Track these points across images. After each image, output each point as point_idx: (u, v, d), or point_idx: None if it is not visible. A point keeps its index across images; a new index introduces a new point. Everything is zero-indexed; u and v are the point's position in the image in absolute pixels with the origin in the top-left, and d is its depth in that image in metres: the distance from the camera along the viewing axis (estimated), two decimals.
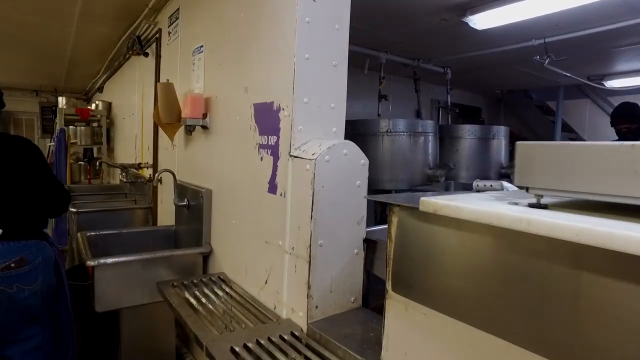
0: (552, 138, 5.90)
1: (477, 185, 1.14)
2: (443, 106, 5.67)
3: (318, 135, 1.42)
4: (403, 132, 3.63)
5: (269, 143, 1.51)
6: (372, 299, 1.53)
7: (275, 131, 1.47)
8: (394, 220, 0.96)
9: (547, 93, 6.17)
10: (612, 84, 4.77)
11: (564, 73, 3.13)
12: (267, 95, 1.54)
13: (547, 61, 3.10)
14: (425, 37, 3.39)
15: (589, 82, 3.44)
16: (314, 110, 1.41)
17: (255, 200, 1.60)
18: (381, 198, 1.03)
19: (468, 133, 4.29)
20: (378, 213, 3.57)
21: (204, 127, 2.09)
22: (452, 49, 3.74)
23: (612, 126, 3.33)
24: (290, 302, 1.39)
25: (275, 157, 1.47)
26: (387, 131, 3.58)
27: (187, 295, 1.60)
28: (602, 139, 5.93)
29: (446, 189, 4.12)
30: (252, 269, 1.64)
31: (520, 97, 6.41)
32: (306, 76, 1.38)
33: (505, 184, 1.06)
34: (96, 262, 1.66)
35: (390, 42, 3.61)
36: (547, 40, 3.11)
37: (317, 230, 1.28)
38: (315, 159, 1.25)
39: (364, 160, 1.37)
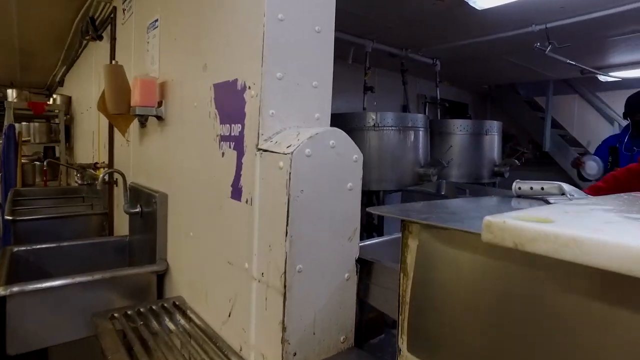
0: (542, 134, 5.70)
1: (520, 189, 0.81)
2: (430, 101, 5.40)
3: (296, 122, 1.07)
4: (392, 126, 3.31)
5: (232, 133, 1.16)
6: (367, 333, 1.20)
7: (240, 117, 1.11)
8: (412, 245, 0.63)
9: (535, 88, 5.96)
10: (608, 77, 4.56)
11: (567, 61, 2.87)
12: (229, 71, 1.18)
13: (549, 48, 2.83)
14: (417, 21, 3.08)
15: (595, 71, 3.19)
16: (291, 89, 1.06)
17: (216, 208, 1.25)
18: (390, 212, 0.70)
19: (459, 128, 4.01)
20: (363, 219, 3.25)
21: (159, 118, 1.72)
22: (444, 36, 3.44)
23: (625, 117, 3.11)
24: (259, 345, 1.04)
25: (240, 151, 1.12)
26: (374, 125, 3.25)
27: (128, 331, 1.23)
28: (591, 135, 5.76)
29: (437, 190, 3.83)
30: (213, 295, 1.28)
31: (508, 93, 6.19)
32: (280, 43, 1.03)
33: (566, 186, 0.74)
34: (8, 290, 1.27)
35: (378, 28, 3.29)
36: (548, 26, 2.84)
37: (295, 250, 0.93)
38: (292, 152, 0.90)
39: (357, 155, 1.03)
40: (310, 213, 0.94)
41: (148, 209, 1.71)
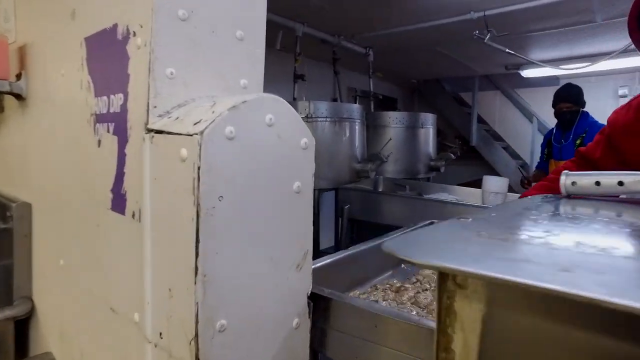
0: (468, 129, 5.79)
1: (574, 184, 0.51)
2: (361, 95, 5.23)
3: (210, 90, 0.69)
4: (326, 117, 3.00)
5: (111, 109, 0.75)
6: None
7: (121, 84, 0.71)
8: (465, 311, 0.29)
9: (461, 84, 6.05)
10: (528, 73, 4.68)
11: (506, 50, 2.77)
12: (106, 15, 0.77)
13: (487, 36, 2.71)
14: (352, 4, 2.80)
15: (537, 62, 3.15)
16: (201, 38, 0.68)
17: (93, 225, 0.82)
18: (424, 258, 0.35)
19: (395, 121, 3.82)
20: (344, 227, 2.90)
21: (18, 97, 1.22)
22: (380, 22, 3.21)
23: (553, 107, 3.11)
24: None
25: (122, 136, 0.71)
26: (307, 116, 2.92)
27: None
28: (511, 131, 5.96)
29: (374, 187, 3.61)
30: (90, 358, 0.86)
31: (435, 88, 6.23)
32: None
33: None
34: None
35: (309, 10, 2.96)
36: (487, 13, 2.72)
37: (212, 297, 0.55)
38: (202, 132, 0.53)
39: (306, 139, 0.68)
40: (236, 233, 0.58)
41: (3, 225, 1.21)
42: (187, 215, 0.53)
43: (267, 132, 0.60)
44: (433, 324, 0.61)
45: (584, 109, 3.12)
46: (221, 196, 0.55)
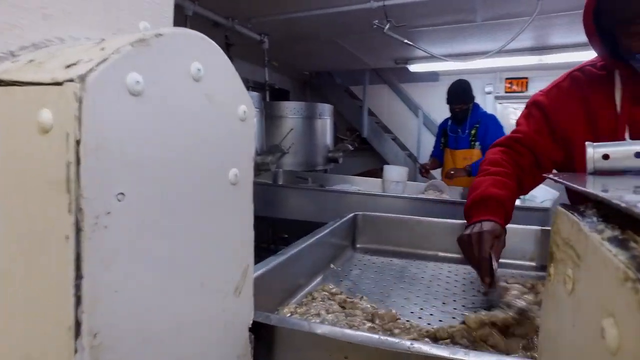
0: (360, 121, 5.95)
1: (607, 157, 0.41)
2: (254, 86, 4.99)
3: (89, 29, 0.44)
4: None
5: None
6: None
7: None
8: None
9: (351, 77, 6.19)
10: (415, 68, 4.95)
11: (404, 40, 2.81)
12: None
13: (387, 27, 2.71)
14: None
15: (443, 58, 3.25)
16: None
17: None
18: None
19: (292, 112, 3.69)
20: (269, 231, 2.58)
21: None
22: (276, 5, 3.02)
23: (447, 104, 3.26)
24: None
25: None
26: None
27: None
28: (399, 124, 6.28)
29: (274, 180, 3.43)
30: None
31: (327, 81, 6.27)
32: None
33: None
34: None
35: None
36: (386, 3, 2.71)
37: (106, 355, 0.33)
38: (83, 78, 0.29)
39: (245, 107, 0.48)
40: (148, 253, 0.35)
41: None
42: (57, 232, 0.30)
43: (193, 90, 0.39)
44: (429, 349, 0.47)
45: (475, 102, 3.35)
46: (121, 193, 0.32)
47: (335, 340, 0.49)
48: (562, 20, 3.29)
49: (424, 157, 5.06)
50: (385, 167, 3.05)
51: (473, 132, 3.19)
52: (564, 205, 0.35)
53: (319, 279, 1.04)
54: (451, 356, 0.44)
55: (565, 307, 0.30)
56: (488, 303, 0.91)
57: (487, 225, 0.98)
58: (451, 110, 3.21)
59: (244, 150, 0.48)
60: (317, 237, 1.06)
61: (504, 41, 2.89)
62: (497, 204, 1.04)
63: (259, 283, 0.74)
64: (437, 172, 3.70)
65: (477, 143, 3.18)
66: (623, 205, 0.20)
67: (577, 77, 1.14)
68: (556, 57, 4.08)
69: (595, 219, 0.27)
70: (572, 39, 3.70)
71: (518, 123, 1.26)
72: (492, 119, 3.19)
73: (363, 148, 6.00)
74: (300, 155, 3.69)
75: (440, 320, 0.85)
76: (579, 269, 0.27)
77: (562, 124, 1.14)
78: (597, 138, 1.06)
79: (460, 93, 3.14)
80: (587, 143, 0.43)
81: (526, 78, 5.36)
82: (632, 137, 1.00)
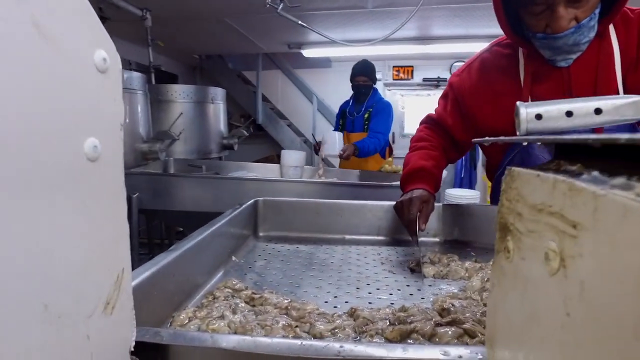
0: (254, 107, 5.78)
1: (540, 117, 0.36)
2: (136, 69, 4.51)
3: None
4: None
5: None
6: None
7: None
8: None
9: (244, 62, 5.97)
10: (309, 53, 4.92)
11: (299, 22, 2.72)
12: None
13: (280, 6, 2.60)
14: None
15: (343, 43, 3.20)
16: None
17: None
18: None
19: (182, 95, 3.41)
20: (135, 222, 2.20)
21: None
22: None
23: (350, 80, 3.31)
24: None
25: None
26: None
27: None
28: (293, 109, 6.25)
29: (164, 170, 3.13)
30: None
31: (218, 65, 5.97)
32: None
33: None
34: None
35: None
36: None
37: None
38: None
39: (105, 53, 0.34)
40: None
41: None
42: None
43: (12, 11, 0.25)
44: (363, 349, 0.39)
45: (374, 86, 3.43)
46: None
47: (248, 355, 0.39)
48: (442, 13, 3.52)
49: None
50: (283, 152, 2.98)
51: (367, 115, 3.27)
52: (518, 168, 0.30)
53: (219, 274, 0.92)
54: (389, 355, 0.37)
55: (545, 291, 0.24)
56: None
57: (416, 193, 1.11)
58: (355, 85, 3.26)
59: (106, 113, 0.34)
60: (215, 227, 0.93)
61: (392, 29, 2.99)
62: (424, 173, 1.17)
63: (147, 287, 0.61)
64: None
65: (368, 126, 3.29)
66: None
67: (485, 58, 1.20)
68: (438, 47, 4.38)
69: (590, 173, 0.20)
70: (452, 31, 3.99)
71: (438, 102, 1.33)
72: (385, 107, 3.30)
73: (258, 135, 5.86)
74: (192, 142, 3.43)
75: None
76: (575, 242, 0.20)
77: (470, 105, 1.20)
78: (500, 117, 1.14)
79: (362, 67, 3.21)
80: (518, 103, 0.39)
81: (412, 66, 5.70)
82: None
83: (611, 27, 1.03)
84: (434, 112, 1.32)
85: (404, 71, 5.77)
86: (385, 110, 3.27)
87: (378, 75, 6.06)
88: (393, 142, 6.34)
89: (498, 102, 1.13)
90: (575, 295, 0.20)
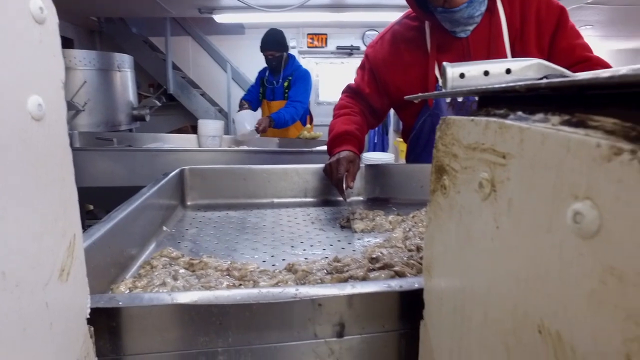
0: (164, 76, 5.43)
1: (463, 76, 0.42)
2: None
3: None
4: None
5: None
6: None
7: None
8: None
9: (150, 27, 5.53)
10: (221, 18, 4.69)
11: None
12: None
13: None
14: None
15: (259, 7, 3.06)
16: None
17: None
18: None
19: (83, 62, 3.10)
20: None
21: None
22: None
23: (261, 51, 3.22)
24: None
25: None
26: None
27: None
28: (207, 78, 5.99)
29: (70, 144, 2.85)
30: None
31: (121, 29, 5.46)
32: None
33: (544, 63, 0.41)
34: None
35: None
36: None
37: None
38: None
39: (40, 3, 0.32)
40: None
41: None
42: None
43: None
44: (318, 291, 0.43)
45: (289, 53, 3.37)
46: None
47: (211, 307, 0.41)
48: None
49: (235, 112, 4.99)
50: (200, 121, 2.89)
51: (286, 84, 3.26)
52: (452, 117, 0.34)
53: (152, 245, 0.90)
54: (341, 292, 0.42)
55: (479, 214, 0.29)
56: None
57: (342, 154, 1.17)
58: (265, 58, 3.20)
59: (46, 70, 0.33)
60: (143, 198, 0.90)
61: None
62: (348, 136, 1.23)
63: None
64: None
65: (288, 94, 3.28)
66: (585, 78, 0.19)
67: (396, 30, 1.29)
68: (351, 15, 4.44)
69: (515, 113, 0.25)
70: (364, 0, 4.06)
71: (356, 72, 1.40)
72: (304, 76, 3.29)
73: (170, 105, 5.55)
74: (99, 113, 3.16)
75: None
76: (504, 169, 0.25)
77: (383, 75, 1.29)
78: (411, 83, 1.25)
79: (270, 40, 3.15)
80: (445, 63, 0.44)
81: (325, 34, 5.73)
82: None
83: (499, 3, 1.18)
84: (353, 82, 1.39)
85: (318, 39, 5.78)
86: (303, 79, 3.27)
87: (292, 43, 6.03)
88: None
89: (408, 71, 1.24)
90: (504, 211, 0.25)
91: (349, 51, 5.86)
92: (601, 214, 0.18)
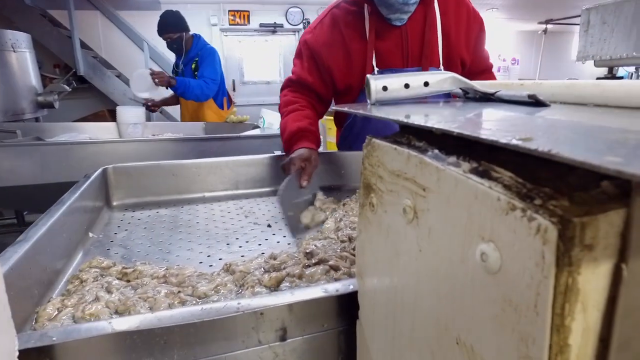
0: (72, 56, 4.94)
1: (385, 89, 0.44)
2: None
3: None
4: None
5: None
6: None
7: None
8: (592, 284, 0.17)
9: None
10: None
11: None
12: None
13: None
14: None
15: None
16: None
17: None
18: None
19: None
20: None
21: None
22: None
23: (160, 36, 3.07)
24: None
25: None
26: None
27: None
28: (122, 58, 5.59)
29: None
30: None
31: (12, 1, 4.84)
32: None
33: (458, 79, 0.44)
34: None
35: None
36: None
37: None
38: None
39: None
40: None
41: None
42: None
43: None
44: (259, 301, 0.45)
45: (194, 33, 3.21)
46: None
47: (152, 330, 0.41)
48: None
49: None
50: (119, 108, 2.70)
51: (193, 66, 3.16)
52: (378, 138, 0.37)
53: (79, 256, 0.85)
54: (281, 302, 0.44)
55: (404, 235, 0.32)
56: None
57: (297, 153, 1.18)
58: (166, 43, 3.09)
59: None
60: (67, 205, 0.84)
61: None
62: (302, 133, 1.23)
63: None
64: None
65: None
66: (487, 138, 0.22)
67: (335, 14, 1.27)
68: None
69: (433, 151, 0.28)
70: None
71: (293, 63, 1.36)
72: (209, 55, 3.18)
73: (82, 88, 5.09)
74: None
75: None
76: (425, 200, 0.28)
77: (326, 60, 1.28)
78: (351, 69, 1.26)
79: (164, 23, 3.01)
80: (368, 76, 0.47)
81: (248, 11, 5.56)
82: (378, 66, 1.20)
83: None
84: (291, 75, 1.36)
85: (240, 16, 5.60)
86: (209, 57, 3.16)
87: (214, 20, 5.77)
88: (234, 90, 6.24)
89: (350, 58, 1.25)
90: (425, 237, 0.29)
91: (273, 28, 5.75)
92: (502, 256, 0.21)
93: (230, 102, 3.58)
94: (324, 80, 1.31)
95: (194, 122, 2.96)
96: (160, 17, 3.04)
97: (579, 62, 3.41)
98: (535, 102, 0.37)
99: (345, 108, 0.44)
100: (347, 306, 0.49)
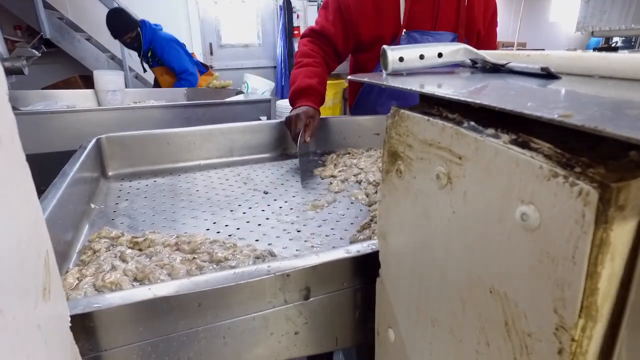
0: (35, 17, 4.66)
1: (402, 59, 0.46)
2: None
3: None
4: None
5: None
6: None
7: None
8: (621, 237, 0.21)
9: None
10: None
11: None
12: None
13: None
14: None
15: None
16: None
17: None
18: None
19: None
20: None
21: None
22: None
23: (116, 39, 2.97)
24: None
25: None
26: None
27: None
28: (91, 20, 5.28)
29: None
30: None
31: None
32: None
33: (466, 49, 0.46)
34: None
35: None
36: None
37: None
38: None
39: None
40: None
41: None
42: None
43: None
44: (288, 263, 0.48)
45: (141, 19, 3.07)
46: None
47: (188, 295, 0.44)
48: None
49: (133, 61, 4.54)
50: (96, 73, 2.60)
51: (150, 54, 3.10)
52: (404, 108, 0.39)
53: (86, 227, 0.86)
54: (306, 263, 0.47)
55: (435, 199, 0.35)
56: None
57: (302, 109, 1.22)
58: (124, 44, 3.03)
59: None
60: (70, 176, 0.84)
61: None
62: (310, 91, 1.27)
63: None
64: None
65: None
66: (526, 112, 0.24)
67: None
68: None
69: (469, 123, 0.31)
70: None
71: (318, 13, 1.39)
72: (166, 45, 3.07)
73: (50, 52, 4.83)
74: None
75: (238, 229, 0.87)
76: (460, 168, 0.31)
77: (355, 13, 1.29)
78: (382, 25, 1.28)
79: (117, 25, 2.92)
80: (384, 47, 0.48)
81: None
82: (407, 27, 1.24)
83: None
84: (314, 24, 1.38)
85: None
86: (170, 48, 3.08)
87: None
88: (211, 54, 6.04)
89: (380, 12, 1.27)
90: (459, 200, 0.32)
91: None
92: (541, 216, 0.24)
93: (205, 67, 3.50)
94: (347, 34, 1.33)
95: (176, 89, 2.89)
96: (109, 19, 2.92)
97: (554, 23, 3.44)
98: (547, 75, 0.40)
99: (379, 81, 0.46)
100: (364, 266, 0.53)
